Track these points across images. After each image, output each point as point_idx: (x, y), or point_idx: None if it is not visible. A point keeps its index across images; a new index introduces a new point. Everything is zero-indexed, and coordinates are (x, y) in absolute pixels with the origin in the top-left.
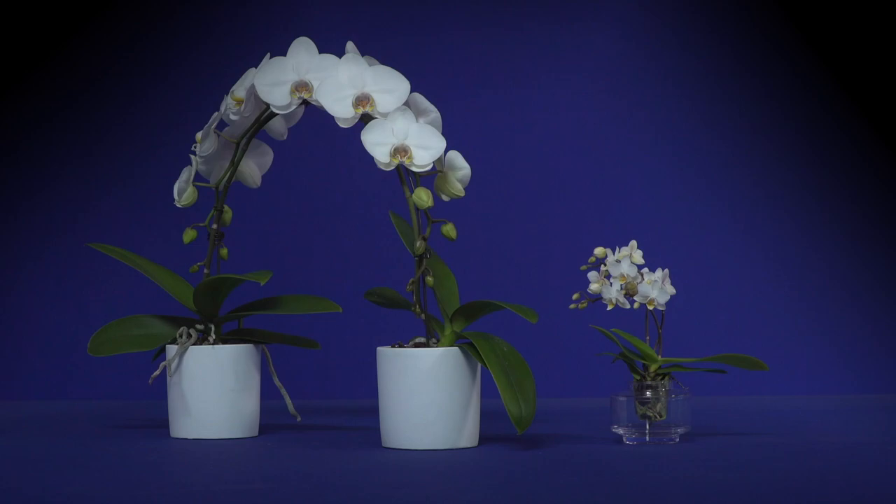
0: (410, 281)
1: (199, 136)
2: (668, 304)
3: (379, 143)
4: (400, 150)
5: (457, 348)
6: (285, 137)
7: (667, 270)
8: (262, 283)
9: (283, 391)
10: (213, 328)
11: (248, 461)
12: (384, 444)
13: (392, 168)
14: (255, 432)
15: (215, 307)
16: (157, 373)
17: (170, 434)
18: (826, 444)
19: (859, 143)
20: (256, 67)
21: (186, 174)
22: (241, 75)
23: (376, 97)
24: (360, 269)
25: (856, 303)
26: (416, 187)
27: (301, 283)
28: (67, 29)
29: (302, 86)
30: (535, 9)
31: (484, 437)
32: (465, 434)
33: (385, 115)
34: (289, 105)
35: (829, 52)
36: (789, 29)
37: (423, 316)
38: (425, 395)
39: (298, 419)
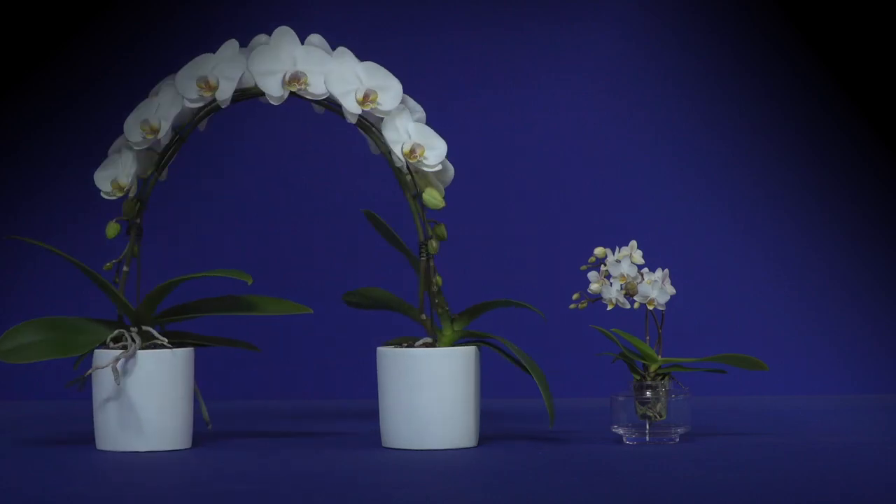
0: (433, 283)
1: (153, 124)
2: (668, 304)
3: (395, 141)
4: (412, 149)
5: (457, 348)
6: (204, 128)
7: (667, 270)
8: (250, 282)
9: (200, 396)
10: (154, 331)
11: (248, 462)
12: (384, 444)
13: (403, 166)
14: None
15: (154, 309)
16: (83, 376)
17: (96, 447)
18: (826, 444)
19: (859, 144)
20: (214, 53)
21: (128, 166)
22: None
23: (378, 94)
24: (360, 269)
25: (856, 303)
26: (423, 188)
27: (301, 283)
28: (67, 29)
29: (295, 78)
30: (535, 9)
31: (484, 437)
32: (465, 434)
33: (386, 113)
34: (283, 96)
35: (829, 52)
36: (789, 29)
37: (424, 317)
38: (425, 395)
39: (210, 427)
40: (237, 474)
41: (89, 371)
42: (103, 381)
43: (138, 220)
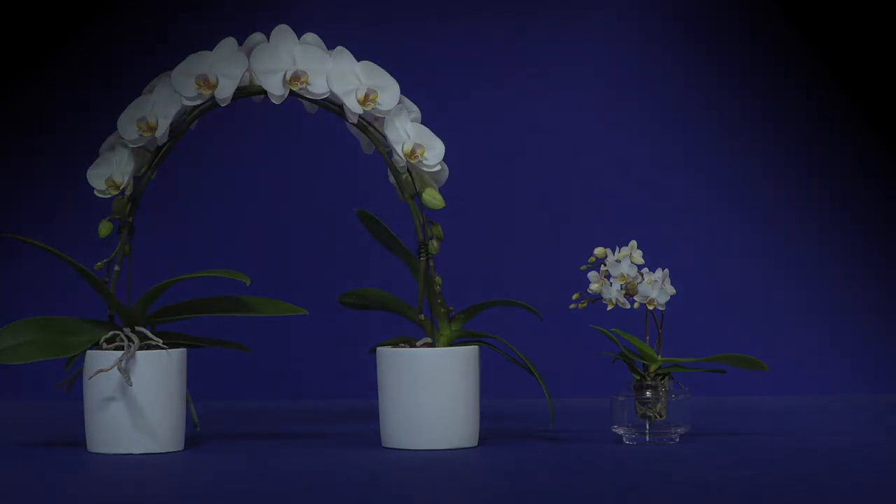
0: (434, 283)
1: (151, 122)
2: (668, 304)
3: (396, 141)
4: (412, 149)
5: (457, 348)
6: (195, 127)
7: (667, 270)
8: (248, 283)
9: (189, 398)
10: (147, 332)
11: (244, 463)
12: (384, 444)
13: (404, 166)
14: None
15: (148, 309)
16: (72, 377)
17: (88, 449)
18: (826, 444)
19: (859, 143)
20: (212, 51)
21: (123, 163)
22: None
23: (378, 93)
24: (358, 270)
25: (856, 303)
26: (422, 188)
27: (298, 283)
28: (68, 29)
29: (296, 77)
30: (535, 9)
31: (484, 437)
32: (465, 434)
33: (386, 113)
34: (284, 95)
35: (829, 52)
36: (789, 29)
37: (422, 317)
38: (425, 395)
39: (198, 429)
40: (233, 475)
41: (95, 373)
42: (97, 383)
43: (130, 219)
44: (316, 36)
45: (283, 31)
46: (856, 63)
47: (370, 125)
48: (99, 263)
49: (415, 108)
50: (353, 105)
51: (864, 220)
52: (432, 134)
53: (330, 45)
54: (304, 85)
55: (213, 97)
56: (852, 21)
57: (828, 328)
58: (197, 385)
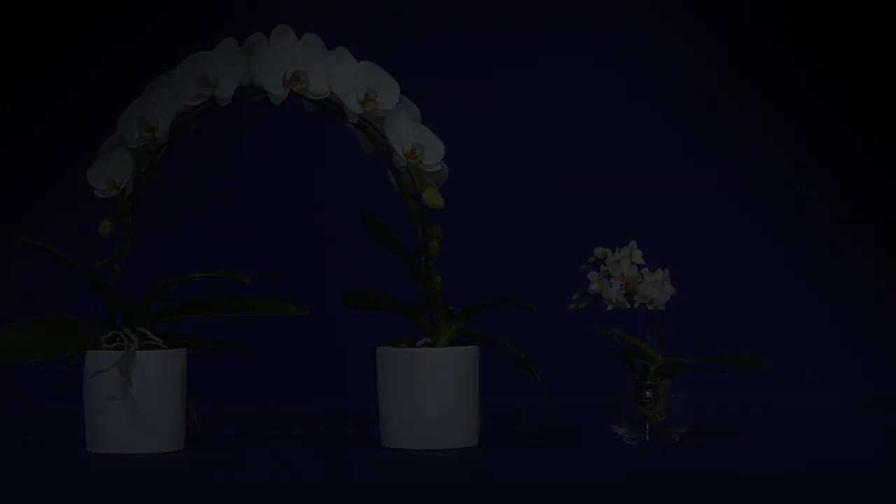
0: (434, 283)
1: (151, 122)
2: (668, 303)
3: (396, 141)
4: (412, 149)
5: (457, 348)
6: (196, 127)
7: (667, 270)
8: (248, 282)
9: (189, 398)
10: (147, 332)
11: (245, 463)
12: (384, 444)
13: (404, 166)
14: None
15: (148, 309)
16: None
17: (88, 449)
18: (826, 444)
19: (858, 143)
20: (212, 51)
21: (123, 164)
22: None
23: (378, 93)
24: (358, 270)
25: (857, 302)
26: (422, 188)
27: (301, 283)
28: (68, 29)
29: (296, 77)
30: (535, 8)
31: (484, 437)
32: (465, 434)
33: (386, 113)
34: (284, 95)
35: (830, 52)
36: (791, 29)
37: (422, 317)
38: (425, 395)
39: (198, 429)
40: (233, 475)
41: (95, 373)
42: (97, 383)
43: (130, 219)
44: (316, 36)
45: (283, 31)
46: (856, 63)
47: (370, 125)
48: (99, 263)
49: (415, 108)
50: (353, 105)
51: (865, 220)
52: (432, 134)
53: (330, 45)
54: (304, 85)
55: (213, 97)
56: (852, 22)
57: (828, 328)
58: (197, 385)
